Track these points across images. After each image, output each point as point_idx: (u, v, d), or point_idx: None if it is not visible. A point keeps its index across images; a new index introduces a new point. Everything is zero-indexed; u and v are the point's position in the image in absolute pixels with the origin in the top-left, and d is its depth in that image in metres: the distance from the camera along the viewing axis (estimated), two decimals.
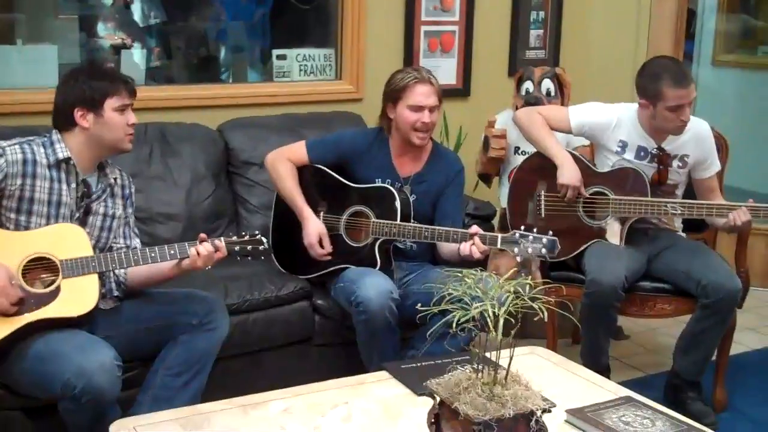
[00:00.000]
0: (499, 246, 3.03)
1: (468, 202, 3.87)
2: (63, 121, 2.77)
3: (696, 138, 3.49)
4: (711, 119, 3.77)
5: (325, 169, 3.41)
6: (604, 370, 3.35)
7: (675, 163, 3.49)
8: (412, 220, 3.27)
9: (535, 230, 3.01)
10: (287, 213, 3.42)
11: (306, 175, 3.43)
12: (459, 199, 3.47)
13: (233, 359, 3.16)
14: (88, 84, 2.74)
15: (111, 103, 2.74)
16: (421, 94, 3.26)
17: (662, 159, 3.46)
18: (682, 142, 3.47)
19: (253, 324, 3.26)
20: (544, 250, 2.96)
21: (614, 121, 3.50)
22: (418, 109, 3.27)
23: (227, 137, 3.90)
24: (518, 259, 3.02)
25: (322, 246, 3.31)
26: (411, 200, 3.32)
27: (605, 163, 3.56)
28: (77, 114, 2.73)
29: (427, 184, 3.38)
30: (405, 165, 3.40)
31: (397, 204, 3.25)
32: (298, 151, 3.43)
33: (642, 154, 3.48)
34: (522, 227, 3.02)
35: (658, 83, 3.33)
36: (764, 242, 4.86)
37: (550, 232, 2.97)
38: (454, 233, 3.13)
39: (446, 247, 3.28)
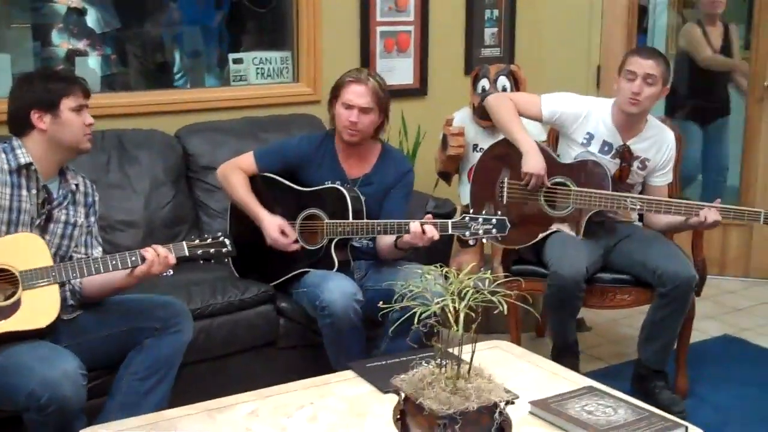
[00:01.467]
0: (450, 231, 3.06)
1: (428, 200, 3.89)
2: (20, 126, 2.75)
3: (660, 143, 3.56)
4: (663, 111, 3.83)
5: (275, 176, 3.41)
6: (573, 344, 3.46)
7: (635, 164, 3.54)
8: (365, 218, 3.29)
9: (484, 212, 3.05)
10: (243, 223, 3.41)
11: (257, 184, 3.42)
12: (404, 200, 3.46)
13: (198, 364, 3.16)
14: (43, 86, 2.74)
15: (67, 103, 2.74)
16: (353, 93, 3.30)
17: (625, 156, 3.51)
18: (646, 145, 3.54)
19: (218, 328, 3.26)
20: (494, 230, 3.01)
21: (584, 113, 3.55)
22: (349, 107, 3.30)
23: (185, 143, 3.89)
24: (471, 242, 3.07)
25: (286, 237, 3.32)
26: (361, 197, 3.33)
27: (568, 154, 3.60)
28: (34, 116, 2.72)
29: (375, 186, 3.40)
30: (353, 167, 3.42)
31: (348, 202, 3.26)
32: (247, 161, 3.44)
33: (606, 148, 3.53)
34: (471, 210, 3.07)
35: (627, 54, 3.51)
36: (719, 231, 4.94)
37: (499, 212, 3.01)
38: (405, 224, 3.13)
39: (382, 243, 3.29)
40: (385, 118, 3.40)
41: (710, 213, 3.31)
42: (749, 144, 5.02)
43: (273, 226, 3.31)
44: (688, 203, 3.44)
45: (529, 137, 3.56)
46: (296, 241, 3.34)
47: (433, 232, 3.05)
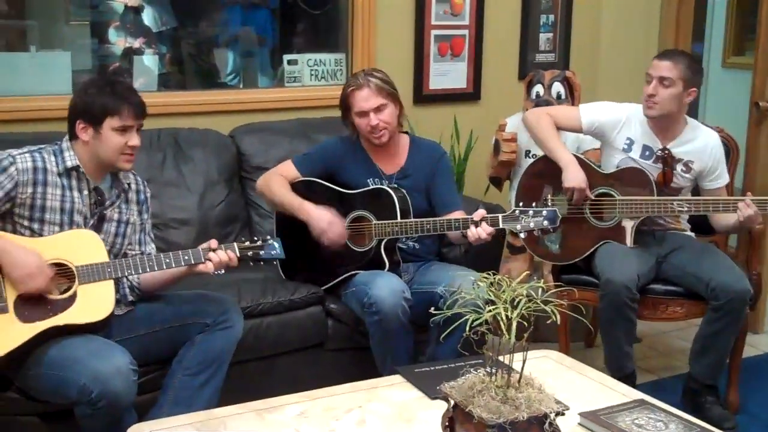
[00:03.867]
0: (501, 225, 3.07)
1: (479, 205, 3.87)
2: (69, 131, 2.79)
3: (703, 147, 3.51)
4: (721, 121, 3.76)
5: (319, 181, 3.42)
6: (630, 376, 3.34)
7: (679, 167, 3.50)
8: (411, 216, 3.29)
9: (534, 204, 3.06)
10: (289, 228, 3.40)
11: (301, 190, 3.42)
12: (451, 183, 3.49)
13: (247, 364, 3.18)
14: (93, 98, 2.74)
15: (111, 123, 2.73)
16: (361, 100, 3.31)
17: (666, 160, 3.48)
18: (687, 148, 3.49)
19: (267, 328, 3.28)
20: (545, 222, 3.02)
21: (623, 119, 3.53)
22: (363, 114, 3.31)
23: (239, 142, 3.92)
24: (522, 235, 3.07)
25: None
26: (407, 196, 3.34)
27: (611, 162, 3.57)
28: (78, 126, 2.75)
29: (412, 178, 3.40)
30: (386, 163, 3.43)
31: (395, 202, 3.27)
32: (288, 169, 3.45)
33: (647, 153, 3.50)
34: (521, 203, 3.05)
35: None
36: None
37: (551, 203, 2.98)
38: (455, 221, 3.16)
39: (452, 233, 3.31)
40: (400, 107, 3.40)
41: (744, 207, 3.28)
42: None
43: (324, 218, 3.29)
44: (736, 199, 3.38)
45: (567, 151, 3.54)
46: (344, 236, 3.32)
47: (485, 235, 3.08)
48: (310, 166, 3.44)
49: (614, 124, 3.54)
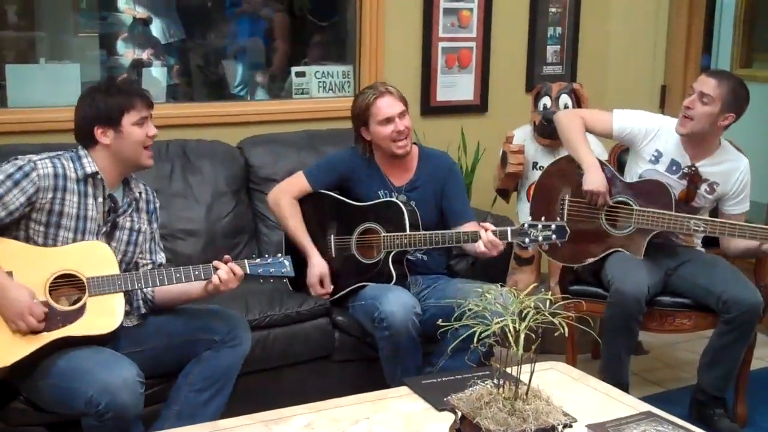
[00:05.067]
0: (509, 239, 3.09)
1: (487, 216, 3.89)
2: (85, 140, 2.81)
3: (730, 170, 3.49)
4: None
5: (329, 193, 3.44)
6: (624, 386, 3.33)
7: (703, 187, 3.49)
8: (420, 229, 3.29)
9: (543, 218, 3.06)
10: None
11: (311, 202, 3.44)
12: (462, 193, 3.50)
13: (254, 375, 3.18)
14: (104, 101, 2.78)
15: (129, 118, 2.78)
16: (386, 107, 3.32)
17: (692, 178, 3.46)
18: (715, 169, 3.48)
19: (274, 340, 3.28)
20: (554, 236, 3.04)
21: (655, 130, 3.52)
22: (389, 120, 3.31)
23: (247, 154, 3.93)
24: (530, 249, 3.08)
25: (322, 286, 3.36)
26: (416, 210, 3.35)
27: (635, 171, 3.56)
28: (97, 132, 2.77)
29: (421, 190, 3.41)
30: (397, 175, 3.44)
31: (405, 215, 3.28)
32: (299, 182, 3.46)
33: (674, 168, 3.49)
34: (530, 217, 3.06)
35: None
36: None
37: (558, 218, 2.98)
38: (464, 234, 3.16)
39: (467, 246, 3.31)
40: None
41: None
42: None
43: (316, 272, 3.34)
44: (753, 227, 3.37)
45: (592, 155, 3.53)
46: (328, 296, 3.37)
47: (495, 252, 3.11)
48: (322, 179, 3.45)
49: (645, 133, 3.53)
